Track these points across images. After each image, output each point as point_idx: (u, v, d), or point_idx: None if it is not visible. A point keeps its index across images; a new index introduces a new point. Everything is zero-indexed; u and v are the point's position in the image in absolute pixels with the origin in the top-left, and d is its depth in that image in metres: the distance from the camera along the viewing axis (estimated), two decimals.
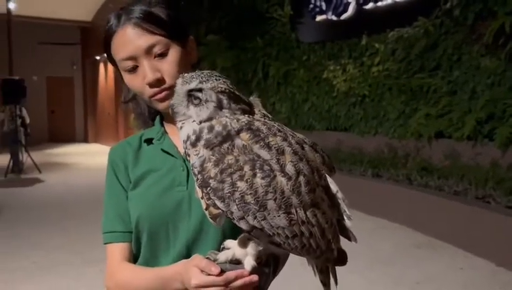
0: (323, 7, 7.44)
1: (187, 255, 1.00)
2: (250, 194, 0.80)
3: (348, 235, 0.91)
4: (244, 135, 0.82)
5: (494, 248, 3.97)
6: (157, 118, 1.13)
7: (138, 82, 1.04)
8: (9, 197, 7.16)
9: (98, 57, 14.63)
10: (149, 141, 1.10)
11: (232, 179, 0.80)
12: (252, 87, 8.06)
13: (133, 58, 1.02)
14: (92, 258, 4.20)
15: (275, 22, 8.09)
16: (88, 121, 16.70)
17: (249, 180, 0.80)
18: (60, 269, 4.02)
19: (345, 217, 0.90)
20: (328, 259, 0.89)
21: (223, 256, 0.90)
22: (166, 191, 1.04)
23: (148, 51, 1.01)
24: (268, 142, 0.82)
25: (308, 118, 7.55)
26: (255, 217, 0.80)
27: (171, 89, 0.94)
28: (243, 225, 0.82)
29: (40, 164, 9.39)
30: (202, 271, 0.87)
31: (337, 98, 7.01)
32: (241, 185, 0.80)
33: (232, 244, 0.92)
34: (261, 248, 0.88)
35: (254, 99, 0.92)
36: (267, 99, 7.97)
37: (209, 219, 0.85)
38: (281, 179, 0.80)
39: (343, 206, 0.90)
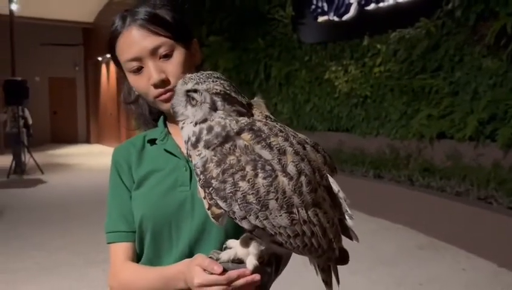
0: (325, 8, 7.44)
1: (190, 254, 1.01)
2: (252, 194, 0.80)
3: (350, 235, 0.92)
4: (246, 136, 0.83)
5: (496, 249, 3.97)
6: (161, 119, 1.14)
7: (143, 83, 1.05)
8: (11, 198, 7.18)
9: (100, 58, 14.66)
10: (152, 142, 1.11)
11: (234, 179, 0.81)
12: (254, 88, 8.07)
13: (138, 59, 1.04)
14: (94, 259, 4.21)
15: (276, 23, 8.10)
16: (90, 122, 16.74)
17: (250, 180, 0.80)
18: (62, 270, 4.03)
19: (347, 217, 0.91)
20: (329, 258, 0.89)
21: (225, 255, 0.91)
22: (170, 191, 1.04)
23: (154, 52, 1.03)
24: (270, 142, 0.83)
25: (310, 118, 7.56)
26: (257, 217, 0.81)
27: None
28: (244, 224, 0.83)
29: (42, 165, 9.41)
30: (205, 270, 0.88)
31: (339, 99, 7.01)
32: (243, 185, 0.80)
33: (234, 243, 0.92)
34: (263, 248, 0.89)
35: (258, 100, 0.92)
36: (269, 100, 7.98)
37: (212, 219, 0.85)
38: (283, 179, 0.81)
39: (345, 205, 0.90)
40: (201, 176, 0.84)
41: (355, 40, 6.79)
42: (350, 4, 6.97)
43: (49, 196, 7.32)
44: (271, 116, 0.90)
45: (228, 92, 0.86)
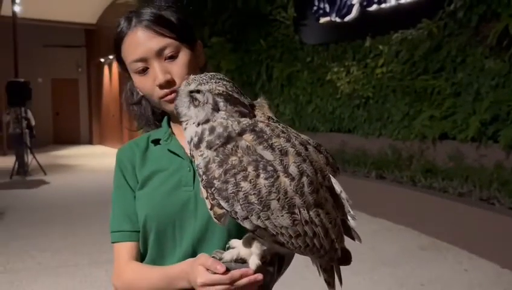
0: (327, 9, 7.45)
1: (193, 254, 1.02)
2: (254, 194, 0.81)
3: (352, 235, 0.92)
4: (248, 136, 0.84)
5: (498, 250, 3.96)
6: (165, 119, 1.15)
7: (148, 83, 1.06)
8: (14, 198, 7.20)
9: (102, 60, 14.70)
10: (156, 142, 1.12)
11: (236, 180, 0.81)
12: (256, 89, 8.08)
13: (143, 60, 1.04)
14: (97, 259, 4.22)
15: (278, 24, 8.11)
16: (93, 123, 16.77)
17: (252, 180, 0.81)
18: (65, 270, 4.04)
19: (349, 217, 0.91)
20: (331, 258, 0.90)
21: (228, 255, 0.91)
22: (173, 191, 1.05)
23: (159, 53, 1.03)
24: (272, 143, 0.83)
25: (312, 119, 7.56)
26: (259, 217, 0.82)
27: None
28: (246, 224, 0.83)
29: (45, 166, 9.43)
30: (208, 270, 0.89)
31: (341, 100, 7.01)
32: (245, 185, 0.81)
33: (237, 243, 0.93)
34: (265, 248, 0.90)
35: (261, 101, 0.93)
36: (271, 101, 7.93)
37: (214, 219, 0.86)
38: (284, 180, 0.81)
39: (347, 206, 0.91)
40: (203, 176, 0.84)
41: (357, 41, 6.79)
42: (352, 5, 6.97)
43: (51, 197, 7.34)
44: (273, 117, 0.91)
45: (230, 93, 0.87)
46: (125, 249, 1.08)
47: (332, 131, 7.25)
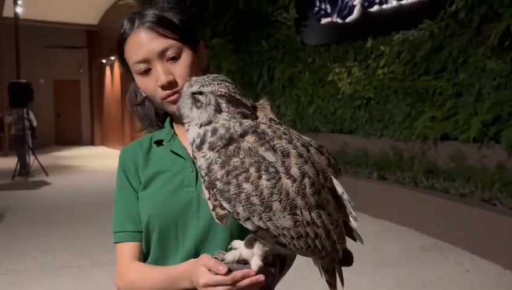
0: (328, 10, 7.45)
1: (196, 254, 1.02)
2: (256, 195, 0.81)
3: (354, 237, 0.92)
4: (250, 138, 0.84)
5: (500, 250, 3.96)
6: (168, 120, 1.15)
7: (151, 84, 1.06)
8: (16, 199, 7.22)
9: (104, 60, 14.72)
10: (159, 143, 1.13)
11: (237, 181, 0.82)
12: (258, 90, 8.08)
13: (146, 61, 1.05)
14: (99, 260, 4.23)
15: (280, 25, 8.11)
16: (94, 124, 16.80)
17: (254, 181, 0.81)
18: (67, 271, 4.05)
19: (351, 219, 0.91)
20: (333, 260, 0.90)
21: (230, 256, 0.92)
22: (176, 192, 1.05)
23: (162, 54, 1.04)
24: (274, 144, 0.83)
25: (314, 120, 7.56)
26: (261, 218, 0.82)
27: None
28: (248, 225, 0.84)
29: (47, 167, 9.45)
30: (210, 270, 0.89)
31: (343, 101, 7.01)
32: (247, 186, 0.81)
33: (239, 244, 0.93)
34: (267, 249, 0.90)
35: (263, 103, 0.93)
36: (273, 102, 7.92)
37: (216, 220, 0.86)
38: (286, 181, 0.82)
39: (349, 207, 0.91)
40: (205, 177, 0.85)
41: (359, 41, 6.79)
42: (353, 6, 6.97)
43: (53, 198, 7.35)
44: (275, 118, 0.91)
45: (233, 94, 0.87)
46: (128, 249, 1.09)
47: (333, 132, 7.25)
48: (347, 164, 6.30)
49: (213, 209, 0.86)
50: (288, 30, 8.02)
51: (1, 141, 13.20)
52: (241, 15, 8.23)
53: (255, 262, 0.90)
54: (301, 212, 0.82)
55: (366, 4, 6.77)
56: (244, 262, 0.91)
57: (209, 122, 0.86)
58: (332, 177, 0.89)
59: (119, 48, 1.10)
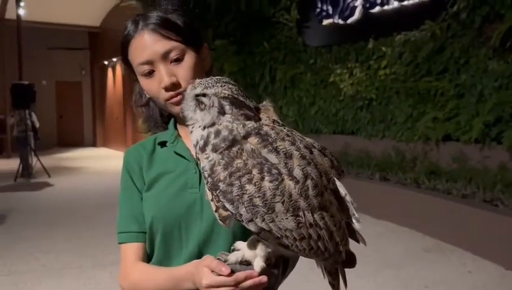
0: (330, 11, 7.45)
1: (199, 255, 1.03)
2: (259, 197, 0.81)
3: (357, 238, 0.93)
4: (253, 139, 0.84)
5: (502, 251, 3.95)
6: (171, 121, 1.16)
7: (154, 86, 1.07)
8: (18, 201, 7.23)
9: (106, 62, 14.74)
10: (163, 144, 1.13)
11: (240, 182, 0.82)
12: (259, 91, 8.09)
13: (150, 62, 1.06)
14: (101, 261, 4.24)
15: (281, 26, 8.12)
16: (96, 126, 16.81)
17: (257, 183, 0.82)
18: (69, 272, 4.05)
19: (354, 220, 0.91)
20: (336, 261, 0.90)
21: (233, 257, 0.92)
22: (179, 193, 1.06)
23: (165, 56, 1.05)
24: (277, 146, 0.84)
25: (315, 121, 7.56)
26: (263, 220, 0.82)
27: None
28: (251, 227, 0.84)
29: (49, 168, 9.47)
30: (213, 271, 0.90)
31: (344, 102, 7.01)
32: (250, 188, 0.82)
33: (242, 245, 0.94)
34: (270, 250, 0.90)
35: (266, 104, 0.93)
36: (274, 103, 7.95)
37: (219, 221, 0.87)
38: (289, 183, 0.82)
39: (352, 209, 0.91)
40: (208, 178, 0.85)
41: (360, 42, 6.79)
42: (355, 7, 6.97)
43: (55, 199, 7.36)
44: (279, 120, 0.91)
45: (236, 96, 0.88)
46: (132, 250, 1.09)
47: (335, 133, 7.25)
48: (349, 165, 6.30)
49: (216, 211, 0.86)
50: (290, 31, 8.02)
51: (3, 142, 13.24)
52: (242, 16, 8.24)
53: (258, 263, 0.90)
54: (304, 214, 0.83)
55: (368, 5, 6.77)
56: (247, 263, 0.91)
57: (213, 124, 0.87)
58: (336, 179, 0.90)
59: (123, 50, 1.11)
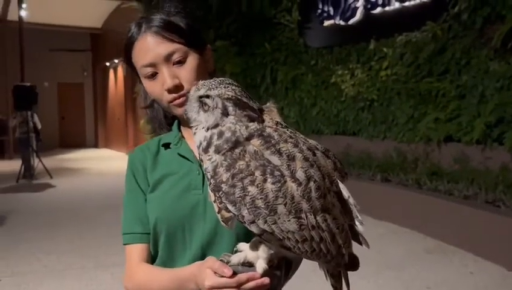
0: (331, 12, 7.46)
1: (203, 257, 1.03)
2: (261, 198, 0.81)
3: (360, 241, 0.93)
4: (256, 141, 0.85)
5: (504, 252, 3.95)
6: (175, 123, 1.16)
7: (157, 88, 1.08)
8: (20, 202, 7.24)
9: (108, 63, 14.77)
10: (167, 146, 1.14)
11: (243, 184, 0.82)
12: (261, 92, 8.09)
13: (153, 65, 1.07)
14: (103, 262, 4.24)
15: (283, 28, 8.13)
16: (98, 127, 16.83)
17: (259, 185, 0.82)
18: (71, 273, 4.06)
19: (357, 223, 0.91)
20: (338, 264, 0.90)
21: (235, 258, 0.92)
22: (183, 195, 1.07)
23: (168, 58, 1.06)
24: (279, 148, 0.84)
25: (317, 122, 7.56)
26: (266, 221, 0.82)
27: None
28: (253, 228, 0.84)
29: (51, 169, 9.48)
30: (215, 273, 0.90)
31: (346, 103, 7.01)
32: (252, 189, 0.82)
33: (244, 247, 0.94)
34: (272, 251, 0.90)
35: (270, 106, 0.94)
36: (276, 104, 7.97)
37: (221, 222, 0.87)
38: (291, 185, 0.82)
39: (355, 211, 0.91)
40: (211, 180, 0.85)
41: (362, 43, 6.79)
42: (356, 8, 6.98)
43: (57, 200, 7.37)
44: (282, 122, 0.91)
45: (239, 97, 0.88)
46: (137, 251, 1.10)
47: (337, 134, 7.25)
48: (350, 165, 6.30)
49: (218, 212, 0.86)
50: (291, 32, 8.03)
51: (6, 143, 13.25)
52: (244, 17, 8.25)
53: (260, 265, 0.90)
54: (306, 216, 0.83)
55: (369, 6, 6.77)
56: (249, 265, 0.91)
57: (216, 126, 0.87)
58: (339, 181, 0.90)
59: (126, 52, 1.11)
